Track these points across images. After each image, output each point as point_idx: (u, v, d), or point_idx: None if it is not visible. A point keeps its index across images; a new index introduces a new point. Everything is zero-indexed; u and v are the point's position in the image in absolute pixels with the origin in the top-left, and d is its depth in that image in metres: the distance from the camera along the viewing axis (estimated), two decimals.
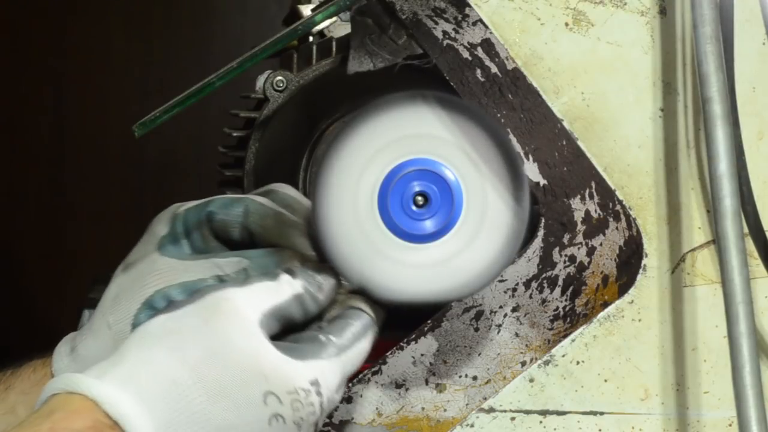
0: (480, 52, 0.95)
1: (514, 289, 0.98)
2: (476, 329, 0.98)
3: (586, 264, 0.97)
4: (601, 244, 0.97)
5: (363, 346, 0.81)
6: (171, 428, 0.71)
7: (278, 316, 0.78)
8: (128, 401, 0.70)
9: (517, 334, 0.98)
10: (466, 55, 0.95)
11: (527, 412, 0.96)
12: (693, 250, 0.94)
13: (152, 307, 0.82)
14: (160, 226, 0.87)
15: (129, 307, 0.83)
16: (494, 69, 0.95)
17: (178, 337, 0.74)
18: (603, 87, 0.93)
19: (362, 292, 0.83)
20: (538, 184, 0.96)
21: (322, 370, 0.77)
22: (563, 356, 0.95)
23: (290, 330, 0.80)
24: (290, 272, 0.80)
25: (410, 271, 0.84)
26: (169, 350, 0.73)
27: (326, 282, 0.81)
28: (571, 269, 0.97)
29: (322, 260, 0.84)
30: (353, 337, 0.80)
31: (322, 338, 0.79)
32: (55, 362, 0.85)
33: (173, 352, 0.73)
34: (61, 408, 0.70)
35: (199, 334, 0.74)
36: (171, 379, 0.72)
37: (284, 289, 0.79)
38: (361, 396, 0.99)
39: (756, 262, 0.92)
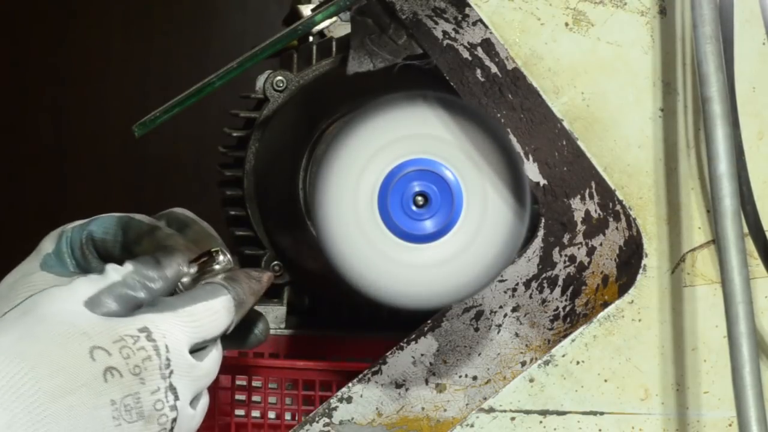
0: (480, 52, 0.95)
1: (514, 289, 0.98)
2: (476, 329, 0.99)
3: (586, 264, 0.97)
4: (601, 244, 0.97)
5: (211, 305, 0.77)
6: (5, 409, 0.68)
7: (114, 297, 0.75)
8: None
9: (517, 334, 0.98)
10: (466, 55, 0.95)
11: (527, 412, 0.96)
12: (693, 250, 0.95)
13: None
14: (47, 244, 0.86)
15: None
16: (494, 69, 0.95)
17: (3, 336, 0.72)
18: (603, 87, 0.93)
19: (234, 273, 0.81)
20: (538, 184, 0.96)
21: (152, 320, 0.74)
22: (563, 356, 0.95)
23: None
24: (123, 264, 0.78)
25: (410, 271, 0.84)
26: None
27: (165, 258, 0.79)
28: (571, 269, 0.97)
29: (323, 262, 0.84)
30: (195, 297, 0.77)
31: (165, 299, 0.76)
32: None
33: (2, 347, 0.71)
34: None
35: (16, 323, 0.72)
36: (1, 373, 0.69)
37: (111, 276, 0.76)
38: (361, 396, 0.99)
39: (756, 262, 0.92)
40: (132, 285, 0.76)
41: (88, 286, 0.75)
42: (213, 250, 0.81)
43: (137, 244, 0.84)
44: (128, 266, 0.77)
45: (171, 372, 0.73)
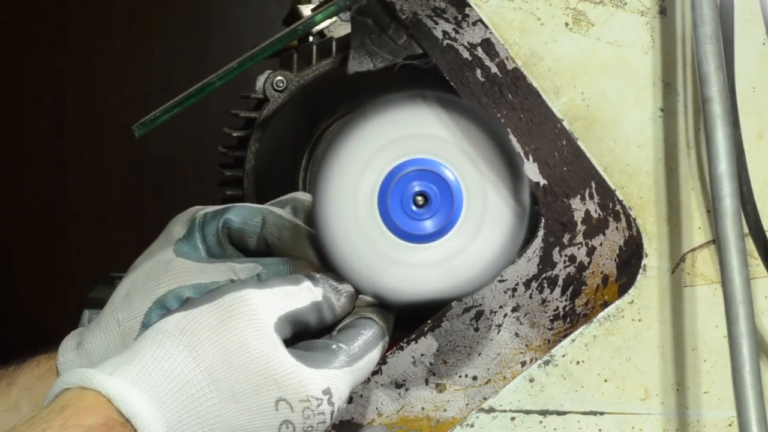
0: (480, 52, 0.95)
1: (514, 289, 0.98)
2: (476, 329, 0.98)
3: (586, 264, 0.97)
4: (601, 244, 0.97)
5: (373, 356, 0.81)
6: (182, 428, 0.71)
7: (293, 321, 0.78)
8: (141, 399, 0.70)
9: (517, 334, 0.98)
10: (466, 55, 0.95)
11: (527, 412, 0.96)
12: (693, 250, 0.94)
13: (164, 307, 0.82)
14: (178, 228, 0.87)
15: (140, 305, 0.83)
16: (494, 69, 0.95)
17: (194, 337, 0.74)
18: (603, 87, 0.93)
19: (374, 303, 0.83)
20: (538, 184, 0.96)
21: (334, 380, 0.77)
22: (563, 356, 0.95)
23: (303, 335, 0.80)
24: (311, 278, 0.80)
25: (410, 271, 0.84)
26: (184, 349, 0.73)
27: (346, 292, 0.82)
28: (571, 269, 0.97)
29: (322, 261, 0.84)
30: (365, 347, 0.80)
31: (334, 347, 0.79)
32: (61, 356, 0.85)
33: (188, 351, 0.73)
34: (73, 403, 0.70)
35: (215, 334, 0.74)
36: (185, 379, 0.72)
37: (304, 295, 0.79)
38: (361, 396, 0.99)
39: (756, 262, 0.92)
40: (312, 315, 0.79)
41: (282, 302, 0.77)
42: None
43: (278, 238, 0.85)
44: (318, 292, 0.80)
45: (330, 424, 0.78)
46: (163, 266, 0.84)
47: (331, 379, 0.77)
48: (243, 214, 0.86)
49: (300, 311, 0.78)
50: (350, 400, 0.99)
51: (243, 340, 0.74)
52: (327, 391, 0.76)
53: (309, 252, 0.84)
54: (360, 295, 0.83)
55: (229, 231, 0.86)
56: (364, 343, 0.80)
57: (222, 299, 0.76)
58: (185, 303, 0.77)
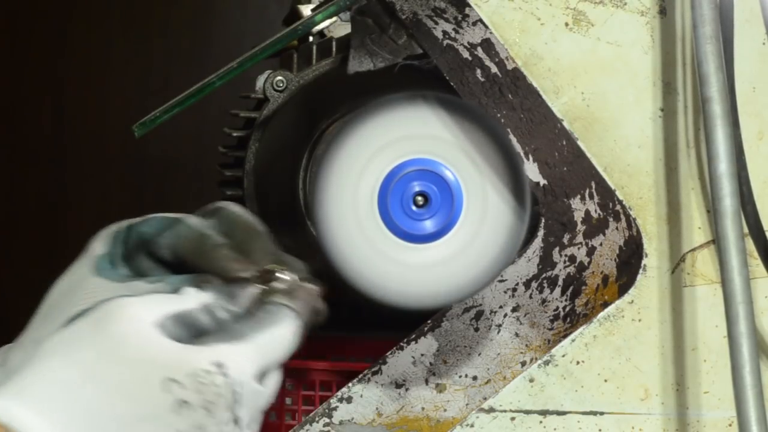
0: (480, 52, 0.95)
1: (514, 289, 0.98)
2: (476, 329, 0.98)
3: (586, 264, 0.97)
4: (601, 244, 0.97)
5: (280, 333, 0.78)
6: (67, 428, 0.70)
7: (182, 322, 0.75)
8: (21, 408, 0.69)
9: (517, 334, 0.98)
10: (466, 55, 0.95)
11: (527, 412, 0.96)
12: (693, 250, 0.94)
13: None
14: (97, 244, 0.86)
15: (53, 325, 0.82)
16: (494, 69, 0.95)
17: (70, 344, 0.73)
18: (603, 87, 0.93)
19: (288, 290, 0.82)
20: (538, 184, 0.96)
21: (225, 353, 0.74)
22: (563, 356, 0.95)
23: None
24: (198, 287, 0.79)
25: (410, 271, 0.84)
26: (61, 357, 0.72)
27: (240, 290, 0.79)
28: (571, 269, 0.97)
29: (323, 262, 0.84)
30: (263, 324, 0.77)
31: (234, 327, 0.77)
32: None
33: (65, 357, 0.72)
34: None
35: (90, 338, 0.73)
36: (64, 382, 0.71)
37: (187, 300, 0.77)
38: (361, 396, 0.99)
39: (756, 262, 0.92)
40: (202, 315, 0.77)
41: (160, 305, 0.75)
42: (277, 269, 0.81)
43: (187, 249, 0.84)
44: (206, 295, 0.78)
45: (237, 403, 0.74)
46: (78, 285, 0.83)
47: (221, 352, 0.74)
48: (156, 226, 0.85)
49: (185, 312, 0.76)
50: (350, 400, 0.99)
51: (119, 337, 0.72)
52: (218, 364, 0.73)
53: (218, 264, 0.83)
54: (274, 284, 0.81)
55: (143, 243, 0.86)
56: (264, 321, 0.78)
57: (96, 309, 0.75)
58: (68, 321, 0.77)
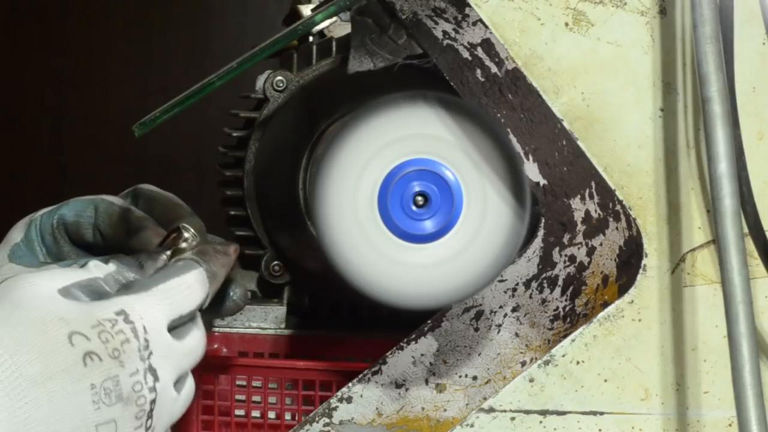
0: (480, 52, 0.95)
1: (514, 289, 0.98)
2: (476, 329, 0.98)
3: (586, 264, 0.97)
4: (601, 244, 0.97)
5: (183, 279, 0.77)
6: None
7: (87, 289, 0.75)
8: None
9: (517, 334, 0.98)
10: (466, 55, 0.95)
11: (527, 412, 0.96)
12: (693, 250, 0.94)
13: None
14: (16, 233, 0.86)
15: None
16: (494, 69, 0.95)
17: None
18: (603, 87, 0.93)
19: (196, 248, 0.81)
20: (538, 184, 0.96)
21: (128, 303, 0.74)
22: (563, 356, 0.95)
23: None
24: (105, 262, 0.78)
25: (410, 271, 0.84)
26: None
27: (148, 259, 0.79)
28: (571, 269, 0.97)
29: (323, 262, 0.84)
30: (168, 275, 0.77)
31: (136, 281, 0.76)
32: None
33: None
34: None
35: None
36: None
37: (92, 271, 0.76)
38: (361, 396, 0.99)
39: (756, 262, 0.92)
40: (109, 282, 0.76)
41: (64, 275, 0.75)
42: (179, 226, 0.82)
43: (109, 226, 0.84)
44: (111, 266, 0.77)
45: (150, 353, 0.73)
46: None
47: (123, 302, 0.73)
48: (76, 208, 0.86)
49: (89, 280, 0.75)
50: (350, 400, 0.99)
51: (21, 303, 0.72)
52: (121, 312, 0.73)
53: (141, 236, 0.83)
54: (181, 244, 0.81)
55: (65, 227, 0.85)
56: (167, 272, 0.77)
57: (1, 284, 0.74)
58: None
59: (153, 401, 0.73)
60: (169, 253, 0.81)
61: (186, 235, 0.81)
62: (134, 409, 0.72)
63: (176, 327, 0.76)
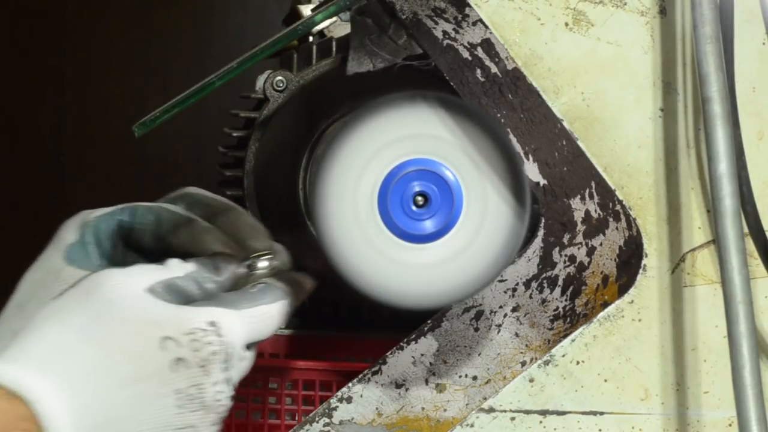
0: (480, 52, 0.95)
1: (514, 289, 0.98)
2: (476, 329, 0.99)
3: (586, 264, 0.97)
4: (601, 244, 0.97)
5: (271, 309, 0.79)
6: (73, 389, 0.70)
7: (171, 290, 0.76)
8: (21, 370, 0.70)
9: (517, 334, 0.98)
10: (466, 55, 0.95)
11: (527, 412, 0.96)
12: (693, 250, 0.94)
13: None
14: (68, 233, 0.86)
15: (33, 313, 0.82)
16: (494, 69, 0.95)
17: (62, 312, 0.73)
18: (603, 87, 0.93)
19: (284, 276, 0.83)
20: (538, 184, 0.96)
21: (219, 315, 0.75)
22: (563, 356, 0.95)
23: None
24: (183, 259, 0.80)
25: (410, 271, 0.84)
26: (56, 323, 0.73)
27: (224, 263, 0.80)
28: (571, 269, 0.97)
29: (323, 262, 0.84)
30: (255, 298, 0.79)
31: (225, 295, 0.78)
32: None
33: (61, 323, 0.72)
34: None
35: (80, 305, 0.73)
36: (62, 345, 0.71)
37: (173, 270, 0.78)
38: (361, 396, 0.99)
39: (756, 262, 0.92)
40: (190, 284, 0.78)
41: (148, 273, 0.76)
42: (263, 254, 0.83)
43: (173, 235, 0.84)
44: (190, 265, 0.78)
45: (230, 366, 0.75)
46: (54, 276, 0.83)
47: (215, 314, 0.75)
48: (136, 214, 0.86)
49: (172, 279, 0.77)
50: (350, 400, 0.99)
51: (113, 300, 0.73)
52: (213, 324, 0.75)
53: (208, 246, 0.83)
54: (258, 266, 0.83)
55: (123, 232, 0.86)
56: (254, 295, 0.79)
57: (87, 278, 0.75)
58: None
59: (227, 410, 0.76)
60: (247, 264, 0.82)
61: (275, 263, 0.83)
62: (213, 417, 0.75)
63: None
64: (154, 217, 0.85)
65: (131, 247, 0.86)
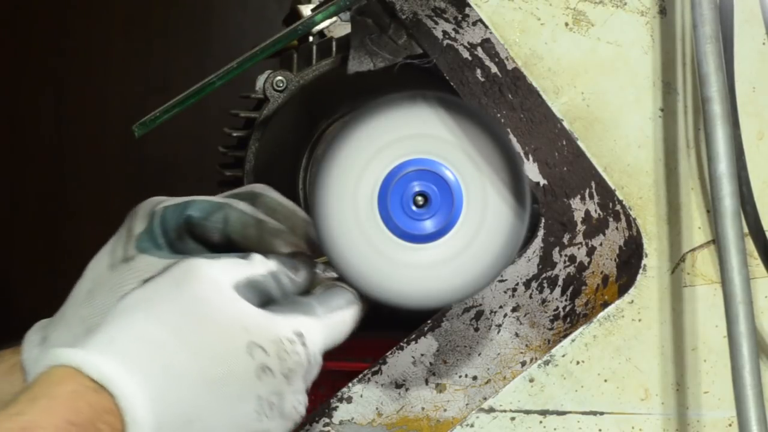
0: (480, 52, 0.95)
1: (514, 289, 0.98)
2: (476, 329, 0.98)
3: (586, 264, 0.97)
4: (601, 244, 0.97)
5: (346, 316, 0.81)
6: (158, 386, 0.70)
7: (253, 288, 0.77)
8: (110, 363, 0.70)
9: (517, 334, 0.98)
10: (466, 55, 0.95)
11: (527, 412, 0.96)
12: (693, 250, 0.94)
13: None
14: (138, 222, 0.86)
15: (105, 303, 0.82)
16: (494, 69, 0.95)
17: (153, 303, 0.73)
18: (603, 87, 0.93)
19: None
20: (538, 184, 0.96)
21: (304, 324, 0.76)
22: (563, 356, 0.95)
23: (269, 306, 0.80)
24: (264, 255, 0.80)
25: (410, 271, 0.84)
26: (145, 315, 0.73)
27: (302, 264, 0.81)
28: (571, 269, 0.97)
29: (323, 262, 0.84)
30: (335, 305, 0.80)
31: (305, 301, 0.79)
32: (25, 351, 0.84)
33: (149, 316, 0.73)
34: (42, 380, 0.70)
35: (172, 296, 0.74)
36: (150, 339, 0.71)
37: (257, 266, 0.78)
38: (361, 396, 0.99)
39: (756, 262, 0.92)
40: (270, 282, 0.78)
41: (233, 269, 0.77)
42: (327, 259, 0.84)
43: (242, 235, 0.85)
44: (273, 264, 0.79)
45: (309, 376, 0.77)
46: (126, 264, 0.84)
47: (301, 323, 0.76)
48: (205, 210, 0.86)
49: (257, 278, 0.78)
50: (350, 400, 0.99)
51: (201, 297, 0.74)
52: (299, 333, 0.75)
53: (276, 249, 0.84)
54: (328, 274, 0.83)
55: (190, 226, 0.86)
56: (335, 301, 0.80)
57: (175, 268, 0.76)
58: (143, 282, 0.77)
59: (302, 417, 0.77)
60: (323, 262, 0.83)
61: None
62: (288, 425, 0.76)
63: None
64: (222, 216, 0.85)
65: (196, 238, 0.86)
